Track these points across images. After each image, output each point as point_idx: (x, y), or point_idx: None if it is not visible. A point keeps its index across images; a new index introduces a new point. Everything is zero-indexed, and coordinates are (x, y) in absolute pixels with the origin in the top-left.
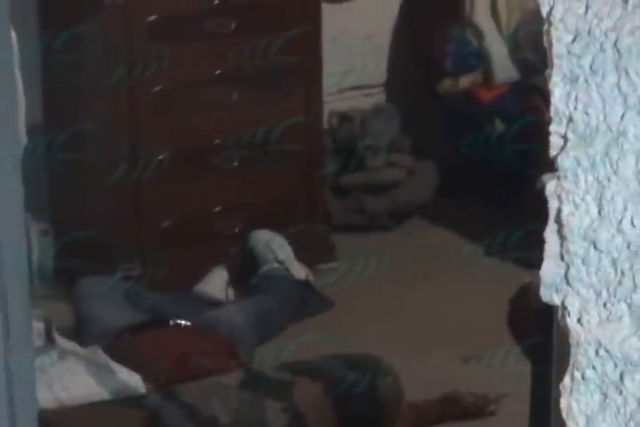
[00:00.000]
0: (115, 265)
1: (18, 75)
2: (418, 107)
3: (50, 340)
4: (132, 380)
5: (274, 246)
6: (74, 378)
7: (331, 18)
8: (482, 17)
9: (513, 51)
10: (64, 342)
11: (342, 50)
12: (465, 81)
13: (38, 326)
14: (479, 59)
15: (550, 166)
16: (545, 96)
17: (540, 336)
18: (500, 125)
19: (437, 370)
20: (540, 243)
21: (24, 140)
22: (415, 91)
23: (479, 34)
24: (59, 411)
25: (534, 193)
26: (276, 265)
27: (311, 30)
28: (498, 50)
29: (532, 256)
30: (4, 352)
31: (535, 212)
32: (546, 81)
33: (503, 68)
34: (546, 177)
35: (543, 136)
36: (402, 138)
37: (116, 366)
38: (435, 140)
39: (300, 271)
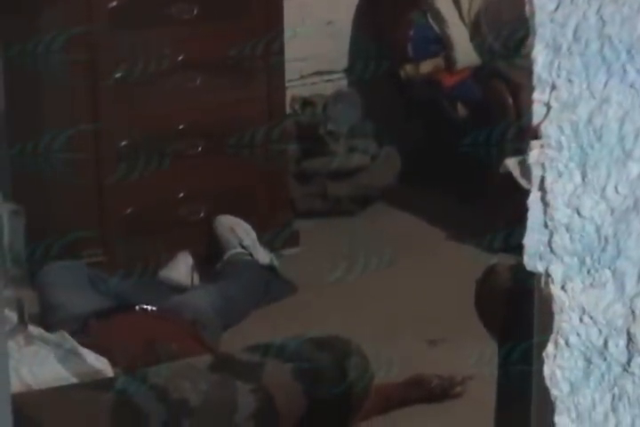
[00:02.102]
0: (79, 252)
1: None
2: (380, 92)
3: (22, 321)
4: (100, 364)
5: (238, 232)
6: (41, 363)
7: (292, 3)
8: (443, 3)
9: (474, 36)
10: (31, 328)
11: (304, 35)
12: (427, 66)
13: (10, 307)
14: (441, 44)
15: (513, 151)
16: (506, 80)
17: (507, 317)
18: (462, 110)
19: (404, 354)
20: (502, 227)
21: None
22: (377, 76)
23: (441, 19)
24: (26, 394)
25: (495, 178)
26: (240, 250)
27: (273, 16)
28: (459, 35)
29: (494, 240)
30: None
31: (496, 196)
32: (507, 66)
33: (465, 53)
34: (508, 161)
35: (505, 123)
36: (364, 123)
37: (84, 351)
38: (397, 126)
39: (264, 256)
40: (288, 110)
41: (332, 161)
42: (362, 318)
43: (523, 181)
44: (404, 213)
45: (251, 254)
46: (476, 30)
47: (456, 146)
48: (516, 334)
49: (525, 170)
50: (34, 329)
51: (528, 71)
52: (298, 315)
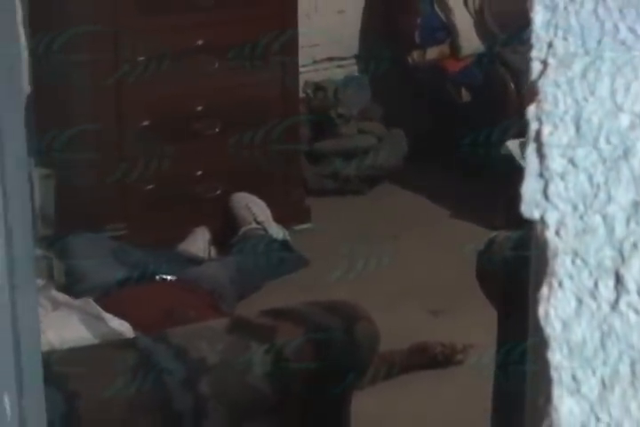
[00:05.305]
0: (103, 226)
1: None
2: (388, 77)
3: (51, 278)
4: (123, 328)
5: (253, 208)
6: (67, 326)
7: None
8: None
9: (478, 24)
10: (57, 294)
11: (317, 24)
12: (433, 53)
13: (40, 265)
14: (446, 32)
15: (514, 133)
16: (508, 66)
17: (507, 287)
18: (465, 94)
19: (409, 323)
20: (503, 206)
21: (27, 88)
22: (385, 62)
23: (447, 8)
24: (52, 352)
25: (497, 159)
26: (255, 225)
27: (287, 5)
28: (464, 23)
29: (496, 218)
30: (8, 289)
31: (498, 177)
32: (509, 52)
33: (469, 40)
34: (509, 143)
35: (506, 106)
36: (372, 107)
37: (107, 316)
38: (404, 109)
39: (277, 231)
40: (301, 94)
41: (343, 142)
42: (369, 290)
43: (523, 162)
44: (410, 193)
45: (265, 230)
46: (480, 19)
47: (460, 128)
48: (515, 303)
49: (525, 151)
50: (60, 295)
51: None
52: (309, 286)
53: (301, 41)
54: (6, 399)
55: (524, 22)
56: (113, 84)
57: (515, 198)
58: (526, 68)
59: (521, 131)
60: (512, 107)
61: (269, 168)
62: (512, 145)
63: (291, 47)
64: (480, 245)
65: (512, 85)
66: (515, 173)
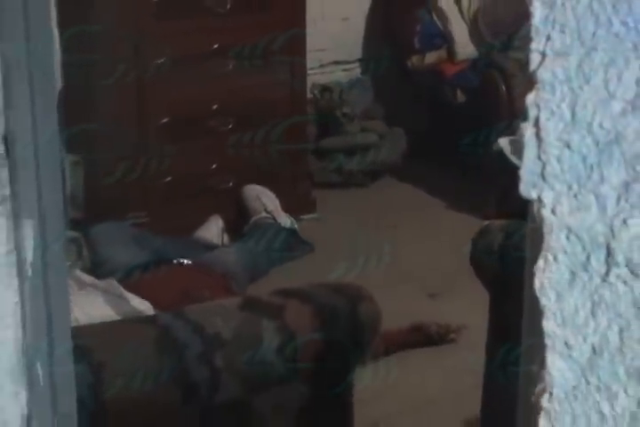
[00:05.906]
0: (125, 214)
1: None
2: (389, 80)
3: (79, 257)
4: (143, 307)
5: (263, 199)
6: (92, 305)
7: (314, 1)
8: (446, 2)
9: (473, 31)
10: (83, 275)
11: (323, 30)
12: (431, 57)
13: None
14: (444, 38)
15: (506, 132)
16: (500, 70)
17: (499, 271)
18: (461, 96)
19: (407, 305)
20: (496, 198)
21: (59, 83)
22: (387, 65)
23: (444, 17)
24: (79, 328)
25: (489, 155)
26: (264, 215)
27: (296, 12)
28: (460, 31)
29: (489, 209)
30: (41, 266)
31: (490, 171)
32: (501, 57)
33: (464, 46)
34: (501, 140)
35: (499, 107)
36: (375, 107)
37: (129, 295)
38: (404, 109)
39: (285, 220)
40: (309, 95)
41: (347, 140)
42: (371, 274)
43: (513, 158)
44: (409, 186)
45: (274, 219)
46: (474, 26)
47: (455, 127)
48: (506, 286)
49: (515, 148)
50: (85, 276)
51: (520, 63)
52: (314, 271)
53: (309, 45)
54: (39, 367)
55: (515, 30)
56: (135, 84)
57: (505, 190)
58: (519, 70)
59: (512, 129)
60: (504, 107)
61: (279, 163)
62: (503, 142)
63: (299, 51)
64: (474, 233)
65: (504, 88)
66: (506, 168)
